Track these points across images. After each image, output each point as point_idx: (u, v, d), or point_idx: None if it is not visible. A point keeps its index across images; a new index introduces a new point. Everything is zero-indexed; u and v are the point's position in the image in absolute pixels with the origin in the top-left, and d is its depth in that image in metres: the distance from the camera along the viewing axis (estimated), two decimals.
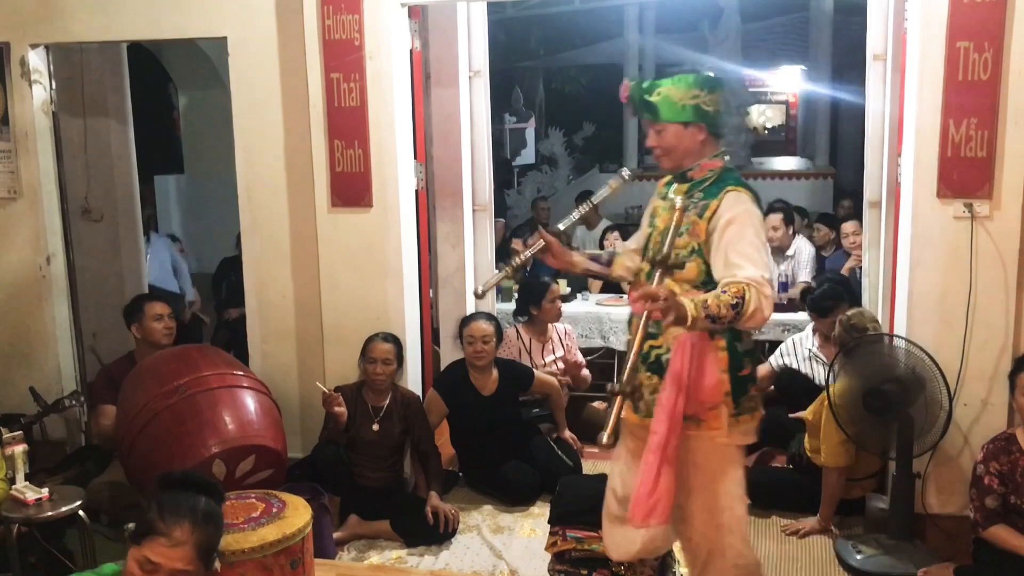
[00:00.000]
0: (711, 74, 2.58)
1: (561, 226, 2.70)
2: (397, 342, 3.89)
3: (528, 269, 5.76)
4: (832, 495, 3.73)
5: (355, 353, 3.93)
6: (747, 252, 2.35)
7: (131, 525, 2.21)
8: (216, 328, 6.27)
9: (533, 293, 4.90)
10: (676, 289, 2.40)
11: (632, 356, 2.26)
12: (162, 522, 2.01)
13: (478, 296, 2.76)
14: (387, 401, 3.90)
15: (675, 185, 2.61)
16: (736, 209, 2.41)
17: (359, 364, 3.92)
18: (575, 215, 2.73)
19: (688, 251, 2.46)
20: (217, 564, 2.17)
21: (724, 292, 2.26)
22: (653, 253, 2.52)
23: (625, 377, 2.20)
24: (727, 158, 2.60)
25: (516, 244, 6.38)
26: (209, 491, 2.17)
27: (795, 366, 4.56)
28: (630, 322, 2.64)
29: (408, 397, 3.97)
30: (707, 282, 2.43)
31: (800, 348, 4.57)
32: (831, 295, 4.41)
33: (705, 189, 2.51)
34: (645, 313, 2.21)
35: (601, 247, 6.39)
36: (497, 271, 2.52)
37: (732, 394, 2.48)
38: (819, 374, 4.41)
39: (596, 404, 5.37)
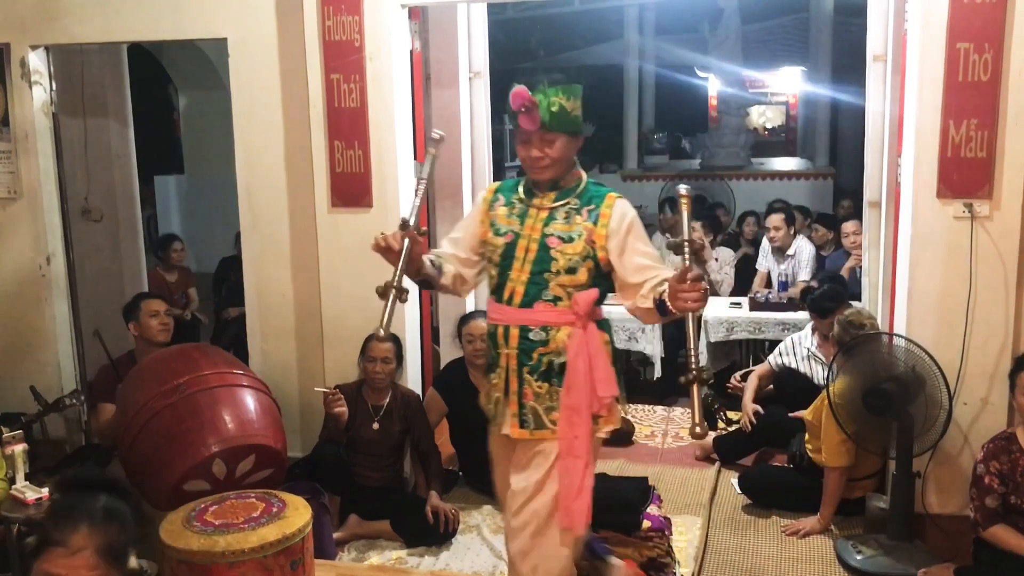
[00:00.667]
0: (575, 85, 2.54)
1: (410, 218, 2.44)
2: (397, 341, 3.90)
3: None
4: (833, 495, 3.74)
5: (355, 353, 3.94)
6: (653, 255, 2.51)
7: (31, 539, 2.08)
8: (216, 327, 6.27)
9: None
10: (561, 293, 2.48)
11: (692, 344, 2.25)
12: (57, 530, 1.84)
13: (381, 339, 2.66)
14: (387, 400, 3.90)
15: (539, 194, 2.57)
16: (630, 215, 2.51)
17: (359, 363, 3.92)
18: (417, 200, 2.52)
19: (581, 256, 2.48)
20: (135, 562, 1.98)
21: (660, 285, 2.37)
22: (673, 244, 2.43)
23: (692, 364, 2.21)
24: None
25: None
26: (109, 487, 2.01)
27: (794, 365, 4.57)
28: (494, 335, 2.60)
29: (408, 396, 3.97)
30: (595, 283, 2.51)
31: (799, 347, 4.58)
32: (832, 296, 4.41)
33: (580, 196, 2.54)
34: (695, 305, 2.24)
35: None
36: (385, 302, 2.34)
37: (620, 385, 2.56)
38: (818, 373, 4.42)
39: None
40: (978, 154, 3.34)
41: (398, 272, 2.41)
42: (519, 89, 2.46)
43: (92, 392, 4.21)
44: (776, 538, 3.76)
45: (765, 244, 6.13)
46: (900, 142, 3.63)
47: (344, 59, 3.88)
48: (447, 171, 4.93)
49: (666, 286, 2.31)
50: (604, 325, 2.59)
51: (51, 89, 4.39)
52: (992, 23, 3.26)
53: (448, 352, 4.86)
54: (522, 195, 2.61)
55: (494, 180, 5.24)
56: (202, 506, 2.55)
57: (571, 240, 2.49)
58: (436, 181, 4.97)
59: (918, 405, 3.36)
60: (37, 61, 4.31)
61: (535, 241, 2.52)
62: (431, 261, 2.61)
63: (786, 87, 13.22)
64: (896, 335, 3.54)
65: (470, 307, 4.89)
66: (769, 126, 13.27)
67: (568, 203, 2.54)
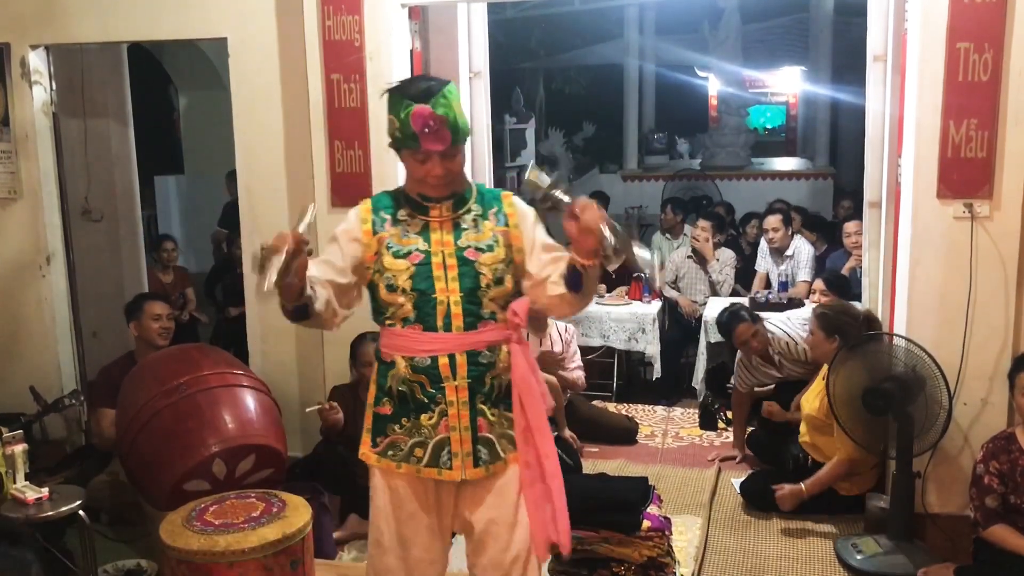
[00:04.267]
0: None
1: (301, 228, 2.07)
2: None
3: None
4: (828, 478, 3.78)
5: None
6: (557, 244, 2.32)
7: None
8: (216, 328, 6.28)
9: None
10: (495, 308, 2.25)
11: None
12: None
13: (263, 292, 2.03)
14: None
15: (433, 205, 2.27)
16: (527, 209, 2.34)
17: (351, 368, 3.91)
18: (308, 216, 2.12)
19: (505, 264, 2.26)
20: None
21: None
22: (611, 245, 2.13)
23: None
24: None
25: None
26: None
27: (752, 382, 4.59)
28: (428, 369, 2.23)
29: None
30: (518, 293, 2.31)
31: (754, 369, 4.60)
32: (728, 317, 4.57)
33: (478, 201, 2.31)
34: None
35: None
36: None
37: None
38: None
39: (596, 403, 5.37)
40: (978, 154, 3.34)
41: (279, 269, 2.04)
42: (419, 108, 2.17)
43: (92, 394, 4.22)
44: (776, 538, 3.76)
45: (763, 245, 6.13)
46: (900, 142, 3.63)
47: (344, 59, 3.88)
48: None
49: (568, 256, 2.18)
50: (522, 332, 2.35)
51: (51, 89, 4.39)
52: (992, 23, 3.26)
53: None
54: (410, 210, 2.29)
55: (494, 180, 5.24)
56: (202, 506, 2.55)
57: (491, 249, 2.26)
58: None
59: (918, 405, 3.37)
60: (37, 61, 4.31)
61: (451, 256, 2.24)
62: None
63: (786, 87, 13.23)
64: (896, 335, 3.54)
65: None
66: (769, 126, 13.28)
67: (470, 210, 2.30)
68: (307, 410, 3.79)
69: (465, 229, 2.27)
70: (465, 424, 2.26)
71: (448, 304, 2.22)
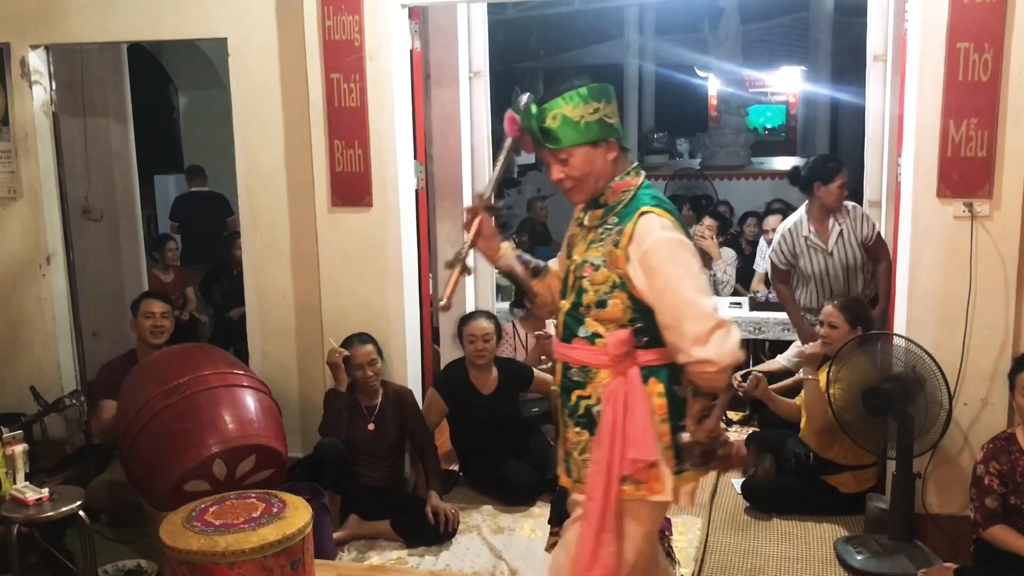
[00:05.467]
0: (600, 83, 2.23)
1: (487, 192, 2.36)
2: (373, 339, 3.89)
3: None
4: (786, 409, 3.99)
5: None
6: (687, 300, 2.07)
7: None
8: (215, 328, 6.28)
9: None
10: (600, 330, 2.18)
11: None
12: None
13: (445, 309, 2.30)
14: (379, 399, 3.91)
15: (588, 212, 2.29)
16: (651, 235, 2.11)
17: (347, 373, 3.90)
18: (495, 176, 2.37)
19: (609, 286, 2.16)
20: None
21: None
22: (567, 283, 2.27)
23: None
24: (643, 173, 2.29)
25: (510, 242, 6.38)
26: None
27: (794, 254, 4.45)
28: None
29: (400, 392, 3.97)
30: (635, 320, 2.16)
31: (797, 238, 4.45)
32: (830, 158, 4.45)
33: (619, 212, 2.20)
34: None
35: None
36: (451, 272, 2.25)
37: (674, 447, 2.18)
38: (819, 264, 4.40)
39: None
40: (978, 154, 3.34)
41: (466, 245, 2.32)
42: (508, 114, 2.21)
43: (93, 390, 4.22)
44: (776, 538, 3.76)
45: (763, 244, 6.13)
46: (900, 142, 3.63)
47: (344, 59, 3.88)
48: (447, 171, 4.92)
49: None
50: (660, 373, 2.19)
51: (51, 89, 4.39)
52: (992, 23, 3.26)
53: (449, 353, 4.86)
54: (583, 215, 2.31)
55: (506, 180, 5.24)
56: (202, 506, 2.55)
57: (598, 268, 2.18)
58: (436, 181, 4.97)
59: (918, 405, 3.36)
60: (37, 61, 4.30)
61: (578, 268, 2.24)
62: (529, 264, 2.44)
63: (786, 87, 13.23)
64: (896, 335, 3.54)
65: (470, 307, 4.89)
66: (769, 126, 13.28)
67: (607, 222, 2.21)
68: (330, 339, 3.90)
69: (596, 242, 2.22)
70: (560, 430, 2.32)
71: (561, 314, 2.29)
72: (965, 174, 3.36)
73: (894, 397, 3.35)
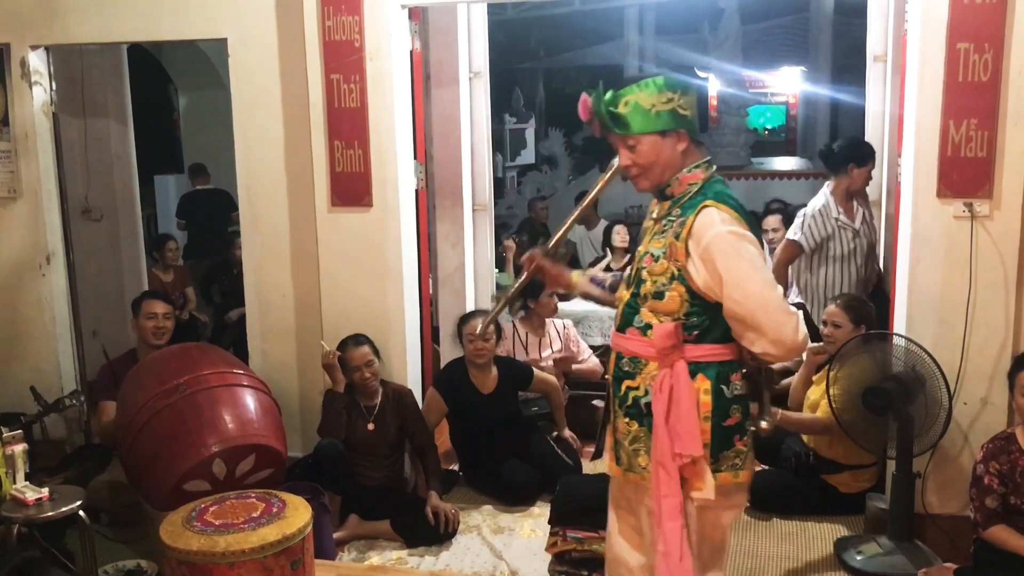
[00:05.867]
0: (679, 76, 2.23)
1: (553, 247, 2.47)
2: (369, 339, 3.90)
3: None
4: (806, 425, 3.88)
5: None
6: (756, 293, 2.06)
7: None
8: (215, 329, 6.28)
9: (530, 287, 4.90)
10: (653, 321, 2.18)
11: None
12: None
13: (484, 338, 2.48)
14: (378, 399, 3.91)
15: (658, 205, 2.29)
16: (711, 230, 2.09)
17: (346, 375, 3.91)
18: (568, 223, 2.49)
19: (667, 278, 2.16)
20: None
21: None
22: (629, 277, 2.31)
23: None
24: (713, 167, 2.26)
25: (508, 243, 6.38)
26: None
27: (826, 234, 4.45)
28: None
29: (399, 391, 3.97)
30: (690, 314, 2.16)
31: (828, 219, 4.46)
32: (864, 142, 4.54)
33: (684, 205, 2.19)
34: None
35: (607, 243, 6.37)
36: (494, 302, 2.42)
37: (711, 446, 2.17)
38: (848, 244, 4.44)
39: (596, 403, 5.37)
40: (978, 154, 3.34)
41: (515, 286, 2.48)
42: (582, 97, 2.21)
43: (93, 391, 4.22)
44: (776, 538, 3.76)
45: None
46: (900, 142, 3.63)
47: (344, 59, 3.88)
48: (447, 171, 4.92)
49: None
50: (709, 370, 2.17)
51: (51, 89, 4.39)
52: (992, 23, 3.26)
53: (449, 353, 4.86)
54: (654, 208, 2.31)
55: (494, 180, 5.25)
56: (202, 506, 2.55)
57: (657, 259, 2.17)
58: (436, 181, 4.96)
59: (918, 405, 3.36)
60: (37, 61, 4.30)
61: (640, 259, 2.25)
62: (604, 283, 2.51)
63: (786, 87, 13.23)
64: (896, 335, 3.54)
65: (470, 307, 4.89)
66: (769, 126, 13.28)
67: (671, 214, 2.20)
68: (321, 342, 3.93)
69: (658, 234, 2.22)
70: (611, 418, 2.33)
71: (620, 304, 2.30)
72: (965, 174, 3.36)
73: (894, 397, 3.35)
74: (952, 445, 3.52)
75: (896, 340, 3.50)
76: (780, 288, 2.15)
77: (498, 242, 6.05)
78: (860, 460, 3.81)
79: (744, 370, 2.22)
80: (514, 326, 4.90)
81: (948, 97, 3.33)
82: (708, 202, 2.13)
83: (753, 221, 2.21)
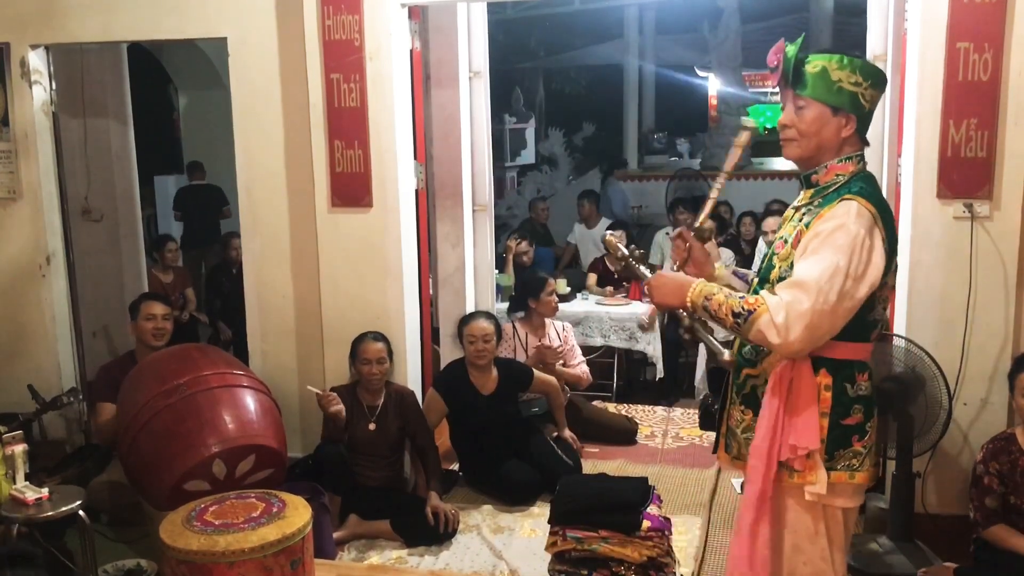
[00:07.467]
0: (879, 67, 2.17)
1: (702, 221, 2.35)
2: (386, 340, 3.90)
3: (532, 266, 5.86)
4: None
5: None
6: (809, 270, 2.00)
7: None
8: (210, 338, 6.28)
9: (531, 286, 4.91)
10: None
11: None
12: None
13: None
14: (381, 399, 3.91)
15: (803, 192, 2.23)
16: (834, 220, 2.02)
17: (350, 365, 3.92)
18: (710, 201, 2.35)
19: (788, 264, 2.11)
20: None
21: (741, 298, 2.07)
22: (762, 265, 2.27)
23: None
24: (864, 163, 2.18)
25: (510, 243, 6.38)
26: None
27: None
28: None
29: (402, 392, 3.98)
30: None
31: None
32: None
33: (826, 196, 2.12)
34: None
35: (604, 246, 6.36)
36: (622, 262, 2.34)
37: (826, 443, 2.11)
38: None
39: (596, 403, 5.37)
40: (978, 154, 3.34)
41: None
42: (780, 41, 2.13)
43: (92, 392, 4.22)
44: None
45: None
46: (900, 142, 3.63)
47: (344, 59, 3.88)
48: (447, 171, 4.92)
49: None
50: (832, 367, 2.11)
51: (51, 89, 4.39)
52: (992, 23, 3.26)
53: (449, 353, 4.86)
54: (799, 197, 2.26)
55: (494, 180, 5.24)
56: (202, 506, 2.55)
57: (786, 243, 2.14)
58: (436, 181, 4.96)
59: (918, 405, 3.36)
60: (37, 61, 4.31)
61: (773, 244, 2.23)
62: (747, 277, 2.43)
63: None
64: (896, 335, 3.54)
65: (470, 308, 4.89)
66: (769, 126, 13.29)
67: (812, 203, 2.15)
68: (308, 387, 3.85)
69: (795, 221, 2.17)
70: (727, 405, 2.30)
71: (751, 290, 2.26)
72: (965, 174, 3.36)
73: (894, 397, 3.35)
74: (952, 445, 3.52)
75: (896, 341, 3.50)
76: (833, 294, 2.00)
77: (498, 242, 6.05)
78: None
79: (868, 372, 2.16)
80: (514, 326, 4.90)
81: (948, 97, 3.33)
82: (848, 196, 2.05)
83: (892, 222, 2.11)
